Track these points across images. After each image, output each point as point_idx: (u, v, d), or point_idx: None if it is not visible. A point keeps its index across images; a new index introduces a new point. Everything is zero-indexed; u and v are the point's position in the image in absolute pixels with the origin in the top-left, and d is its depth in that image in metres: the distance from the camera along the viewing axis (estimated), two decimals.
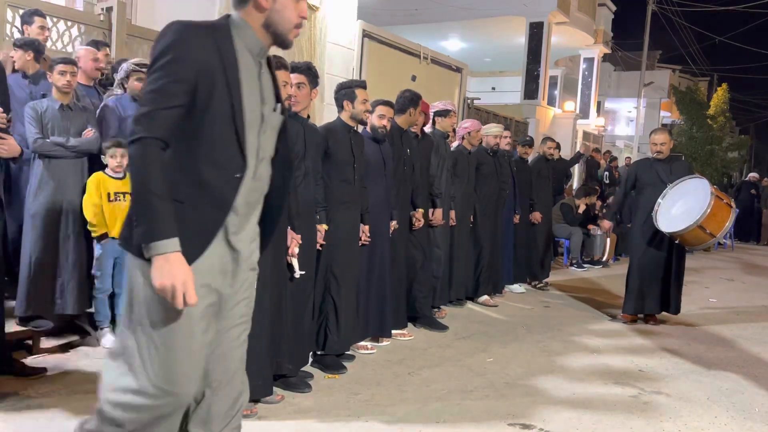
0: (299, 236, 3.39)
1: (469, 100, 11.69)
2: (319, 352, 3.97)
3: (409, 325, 4.94)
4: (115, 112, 4.24)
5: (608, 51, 19.81)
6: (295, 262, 3.41)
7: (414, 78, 10.02)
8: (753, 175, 16.14)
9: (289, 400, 3.40)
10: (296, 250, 3.40)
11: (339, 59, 8.46)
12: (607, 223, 6.28)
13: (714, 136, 23.23)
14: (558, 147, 8.57)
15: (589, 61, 18.59)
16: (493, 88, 20.38)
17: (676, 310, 5.64)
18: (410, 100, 4.71)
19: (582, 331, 5.34)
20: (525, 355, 4.52)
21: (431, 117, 5.52)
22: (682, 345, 5.04)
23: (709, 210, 4.99)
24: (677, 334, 5.40)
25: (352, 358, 4.16)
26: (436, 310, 5.42)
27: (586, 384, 3.94)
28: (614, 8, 19.72)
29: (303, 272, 3.47)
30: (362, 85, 3.93)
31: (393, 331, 4.59)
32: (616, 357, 4.59)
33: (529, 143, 7.24)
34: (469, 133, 5.90)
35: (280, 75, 3.45)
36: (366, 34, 9.02)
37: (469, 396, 3.64)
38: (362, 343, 4.36)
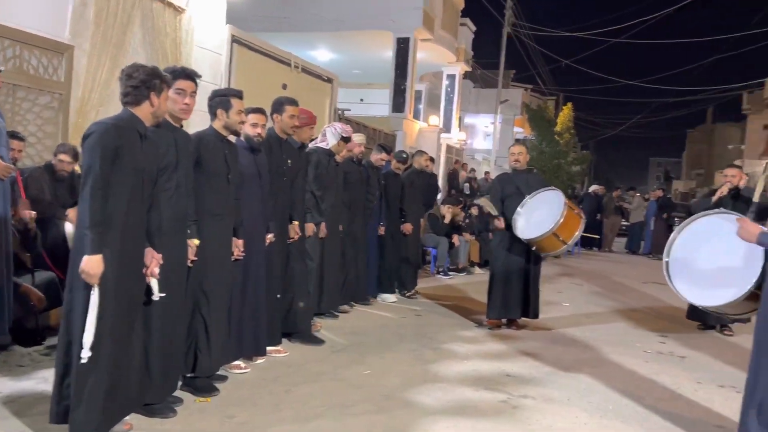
0: (160, 255, 3.12)
1: (339, 111, 11.74)
2: (188, 375, 3.73)
3: (284, 340, 4.81)
4: None
5: (468, 69, 20.85)
6: (154, 283, 3.10)
7: (285, 86, 9.89)
8: (596, 188, 17.71)
9: (156, 427, 3.17)
10: (156, 270, 3.10)
11: (206, 64, 8.12)
12: (500, 222, 6.35)
13: (560, 151, 25.23)
14: (432, 160, 8.85)
15: (452, 77, 19.44)
16: (362, 100, 20.64)
17: (535, 315, 6.02)
18: (273, 106, 4.63)
19: (452, 338, 5.52)
20: (400, 365, 4.58)
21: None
22: (542, 348, 5.37)
23: (562, 219, 5.40)
24: (537, 338, 5.75)
25: (224, 378, 3.97)
26: (312, 323, 5.34)
27: (460, 391, 4.07)
28: (474, 28, 20.81)
29: (163, 294, 3.14)
30: (238, 94, 3.78)
31: (268, 348, 4.45)
32: (485, 363, 4.78)
33: (403, 160, 7.40)
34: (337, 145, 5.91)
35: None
36: (235, 40, 8.76)
37: (348, 411, 3.61)
38: (235, 362, 4.18)
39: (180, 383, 3.65)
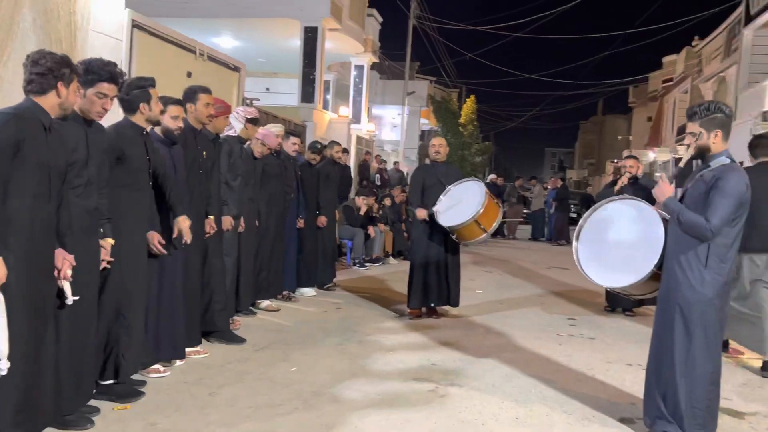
0: (72, 256, 2.89)
1: (248, 101, 11.41)
2: (107, 382, 3.49)
3: (203, 341, 4.62)
4: None
5: (376, 60, 20.90)
6: (67, 287, 2.89)
7: (190, 74, 9.47)
8: (493, 177, 18.33)
9: None
10: (69, 273, 2.87)
11: (104, 50, 7.57)
12: (422, 212, 6.38)
13: (465, 143, 25.96)
14: (346, 151, 8.79)
15: (360, 68, 19.41)
16: (268, 89, 20.22)
17: (456, 303, 6.14)
18: (185, 95, 4.42)
19: (375, 330, 5.52)
20: (326, 360, 4.52)
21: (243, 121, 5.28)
22: (463, 336, 5.48)
23: (482, 209, 5.52)
24: (457, 326, 5.87)
25: (142, 383, 3.75)
26: (230, 321, 5.16)
27: (388, 384, 4.07)
28: (381, 19, 20.88)
29: (77, 297, 2.94)
30: (154, 83, 3.56)
31: (187, 350, 4.25)
32: (410, 354, 4.82)
33: (318, 150, 7.29)
34: (260, 141, 5.73)
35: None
36: (136, 25, 8.25)
37: (278, 411, 3.51)
38: (153, 366, 3.96)
39: (94, 391, 3.41)
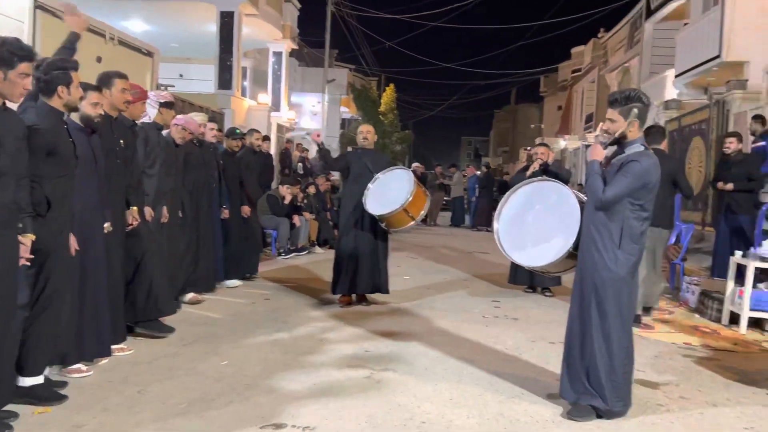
0: None
1: (162, 87, 10.97)
2: (27, 384, 3.29)
3: (128, 337, 4.43)
4: None
5: (295, 47, 20.61)
6: None
7: (99, 59, 8.99)
8: (416, 165, 18.57)
9: None
10: None
11: (6, 33, 7.09)
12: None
13: (385, 131, 26.09)
14: (267, 139, 8.62)
15: (278, 55, 19.09)
16: (181, 76, 19.50)
17: (386, 290, 6.19)
18: (99, 81, 4.20)
19: (306, 319, 5.49)
20: (259, 352, 4.45)
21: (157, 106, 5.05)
22: (394, 322, 5.55)
23: (411, 197, 5.57)
24: (387, 312, 5.93)
25: (63, 385, 3.57)
26: None
27: (323, 372, 4.06)
28: (299, 6, 20.57)
29: None
30: (76, 66, 3.36)
31: (111, 347, 4.07)
32: (343, 341, 4.82)
33: (238, 136, 7.11)
34: (179, 127, 5.53)
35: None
36: (39, 6, 7.74)
37: (212, 405, 3.43)
38: (74, 366, 3.77)
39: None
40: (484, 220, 16.16)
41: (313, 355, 4.44)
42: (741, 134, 7.85)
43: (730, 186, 7.19)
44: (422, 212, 5.83)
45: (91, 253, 3.75)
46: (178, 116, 5.55)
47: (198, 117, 6.06)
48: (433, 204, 17.51)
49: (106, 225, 3.96)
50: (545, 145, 7.57)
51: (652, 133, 5.91)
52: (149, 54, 10.71)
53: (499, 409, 3.55)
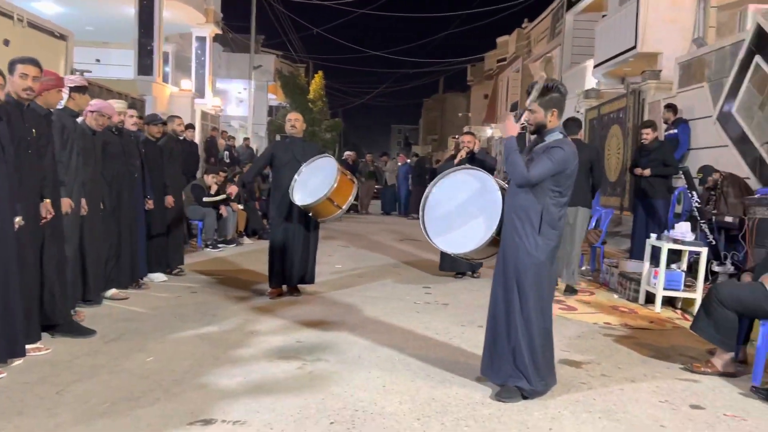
0: None
1: (77, 73, 10.44)
2: None
3: (45, 335, 4.21)
4: None
5: (219, 31, 20.04)
6: None
7: (7, 43, 8.48)
8: (348, 154, 18.53)
9: None
10: None
11: None
12: (233, 188, 6.45)
13: (315, 119, 25.83)
14: (192, 127, 8.35)
15: (201, 40, 18.52)
16: (98, 60, 18.63)
17: (311, 280, 6.15)
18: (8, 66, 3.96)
19: (235, 312, 5.38)
20: (186, 347, 4.33)
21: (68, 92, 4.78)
22: (325, 312, 5.52)
23: (336, 184, 5.52)
24: (318, 302, 5.89)
25: None
26: (72, 312, 4.75)
27: (255, 365, 3.99)
28: None
29: None
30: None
31: (26, 347, 3.85)
32: (274, 333, 4.76)
33: (160, 121, 6.83)
34: (96, 113, 5.27)
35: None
36: None
37: (138, 403, 3.31)
38: None
39: None
40: (415, 208, 16.31)
41: (243, 348, 4.36)
42: (656, 123, 8.25)
43: (647, 171, 7.55)
44: (349, 200, 5.75)
45: (1, 249, 3.53)
46: (93, 101, 5.28)
47: (117, 104, 5.80)
48: (364, 192, 17.70)
49: (17, 219, 3.74)
50: (471, 133, 7.76)
51: (569, 125, 6.25)
52: (62, 37, 10.19)
53: (431, 394, 3.60)
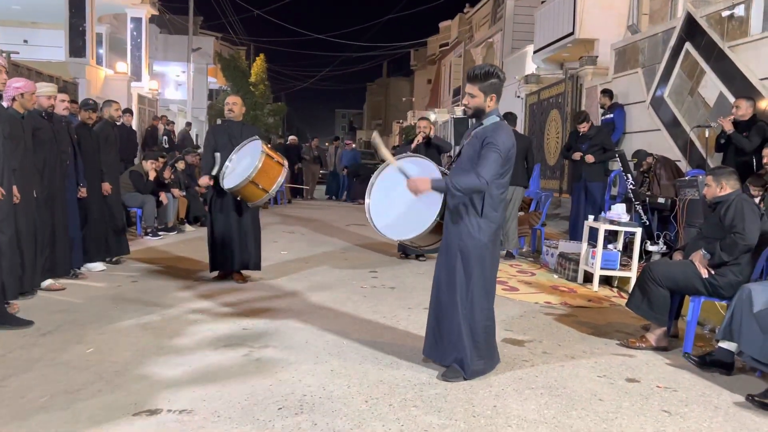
0: None
1: (4, 54, 9.91)
2: None
3: None
4: None
5: (155, 12, 19.38)
6: None
7: None
8: (293, 138, 18.33)
9: None
10: None
11: None
12: (204, 179, 6.17)
13: (257, 103, 25.37)
14: (129, 112, 8.06)
15: (137, 21, 17.88)
16: (26, 41, 17.75)
17: (257, 266, 6.08)
18: None
19: (178, 300, 5.27)
20: (127, 337, 4.22)
21: None
22: (270, 298, 5.48)
23: (260, 164, 5.36)
24: (263, 289, 5.84)
25: None
26: (6, 305, 4.55)
27: (200, 354, 3.92)
28: None
29: None
30: None
31: None
32: (218, 321, 4.69)
33: (93, 107, 6.56)
34: (22, 94, 5.03)
35: None
36: None
37: (78, 396, 3.21)
38: None
39: None
40: (358, 193, 16.35)
41: (187, 336, 4.28)
42: (588, 114, 8.48)
43: (590, 158, 7.80)
44: (276, 183, 5.56)
45: None
46: (11, 81, 4.99)
47: (46, 88, 5.53)
48: (309, 177, 17.56)
49: None
50: (426, 119, 7.82)
51: (507, 119, 6.49)
52: None
53: (379, 376, 3.63)
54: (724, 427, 3.18)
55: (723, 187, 4.34)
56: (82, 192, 6.10)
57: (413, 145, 7.06)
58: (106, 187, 6.56)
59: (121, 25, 18.71)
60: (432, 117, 29.03)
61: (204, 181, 5.93)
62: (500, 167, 3.50)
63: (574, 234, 7.98)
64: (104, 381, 3.43)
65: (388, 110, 52.75)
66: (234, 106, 6.00)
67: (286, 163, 5.82)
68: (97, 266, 6.36)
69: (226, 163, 5.68)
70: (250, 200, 5.64)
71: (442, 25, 33.79)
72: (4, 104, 4.95)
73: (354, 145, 18.68)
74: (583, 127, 7.97)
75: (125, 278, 6.08)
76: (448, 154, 9.11)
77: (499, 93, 3.66)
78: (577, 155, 7.95)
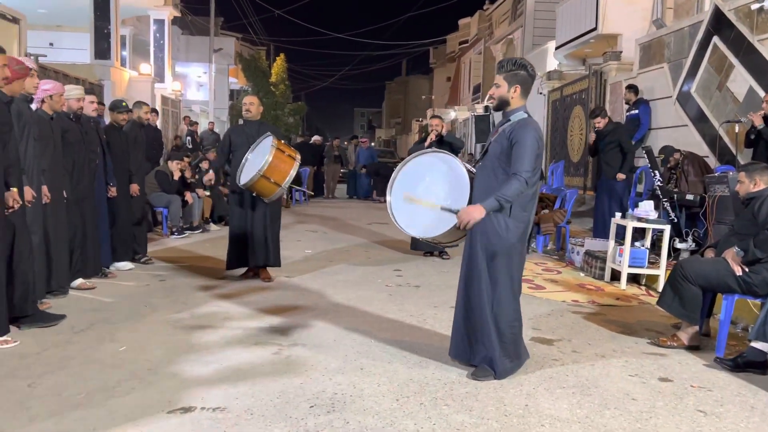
0: None
1: (32, 57, 10.09)
2: None
3: (12, 329, 4.10)
4: None
5: (178, 14, 19.58)
6: None
7: None
8: (317, 138, 18.41)
9: None
10: None
11: None
12: (210, 174, 6.33)
13: (277, 102, 25.52)
14: (155, 111, 8.16)
15: (160, 22, 18.07)
16: (52, 44, 18.04)
17: (277, 263, 6.11)
18: None
19: (205, 299, 5.32)
20: (159, 336, 4.27)
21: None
22: (297, 296, 5.51)
23: (270, 159, 5.39)
24: (289, 287, 5.87)
25: None
26: (39, 303, 4.64)
27: (230, 352, 3.96)
28: None
29: None
30: None
31: None
32: (247, 319, 4.73)
33: (126, 109, 6.63)
34: (51, 96, 5.11)
35: None
36: None
37: (113, 394, 3.26)
38: None
39: None
40: (378, 191, 16.37)
41: (217, 334, 4.32)
42: (605, 109, 8.37)
43: (622, 176, 7.58)
44: (288, 177, 5.57)
45: None
46: (42, 84, 5.06)
47: (75, 91, 5.61)
48: (329, 176, 17.60)
49: None
50: (439, 117, 7.82)
51: None
52: (15, 20, 9.83)
53: (408, 375, 3.63)
54: (761, 426, 3.13)
55: (756, 183, 4.27)
56: (112, 191, 6.18)
57: (427, 143, 7.11)
58: (134, 188, 6.64)
59: (144, 27, 18.93)
60: (452, 115, 28.97)
61: (209, 176, 6.20)
62: (534, 161, 3.47)
63: (598, 231, 7.89)
64: (138, 379, 3.48)
65: (408, 108, 52.67)
66: (251, 106, 6.06)
67: (298, 156, 5.83)
68: (126, 265, 6.44)
69: (242, 161, 5.74)
70: (265, 195, 5.68)
71: (462, 22, 33.64)
72: (34, 106, 5.04)
73: (371, 144, 18.66)
74: (598, 122, 7.85)
75: (153, 277, 6.16)
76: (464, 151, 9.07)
77: (524, 86, 3.60)
78: (620, 176, 7.65)
